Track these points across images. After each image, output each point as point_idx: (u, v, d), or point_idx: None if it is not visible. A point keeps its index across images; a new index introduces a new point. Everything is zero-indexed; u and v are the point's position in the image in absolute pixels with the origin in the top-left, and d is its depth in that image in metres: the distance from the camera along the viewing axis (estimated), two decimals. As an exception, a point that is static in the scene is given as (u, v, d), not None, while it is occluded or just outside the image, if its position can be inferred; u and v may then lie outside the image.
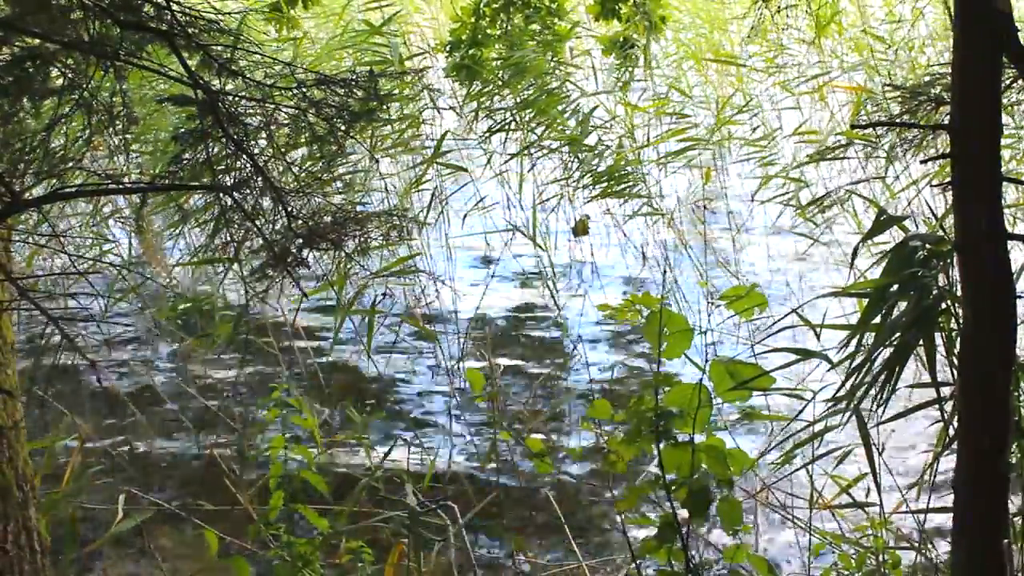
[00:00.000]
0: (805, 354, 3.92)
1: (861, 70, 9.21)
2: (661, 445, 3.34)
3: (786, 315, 4.53)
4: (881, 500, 4.13)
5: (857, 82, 8.99)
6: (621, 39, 9.73)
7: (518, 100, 8.39)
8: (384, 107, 2.97)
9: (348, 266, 2.95)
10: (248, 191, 2.75)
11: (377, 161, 8.07)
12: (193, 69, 2.69)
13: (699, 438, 3.37)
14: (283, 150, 2.82)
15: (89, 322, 4.00)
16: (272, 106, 2.77)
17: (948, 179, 2.86)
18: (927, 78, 3.66)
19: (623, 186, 8.00)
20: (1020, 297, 2.89)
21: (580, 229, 8.35)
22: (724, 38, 11.21)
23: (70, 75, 2.66)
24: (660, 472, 3.34)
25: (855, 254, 3.97)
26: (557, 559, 4.69)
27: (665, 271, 7.20)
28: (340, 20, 9.56)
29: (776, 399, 5.36)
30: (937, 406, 3.60)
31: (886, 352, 3.50)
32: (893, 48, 9.37)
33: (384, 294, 6.33)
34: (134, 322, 7.12)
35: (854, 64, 9.46)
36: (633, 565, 3.89)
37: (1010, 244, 2.79)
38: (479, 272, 8.08)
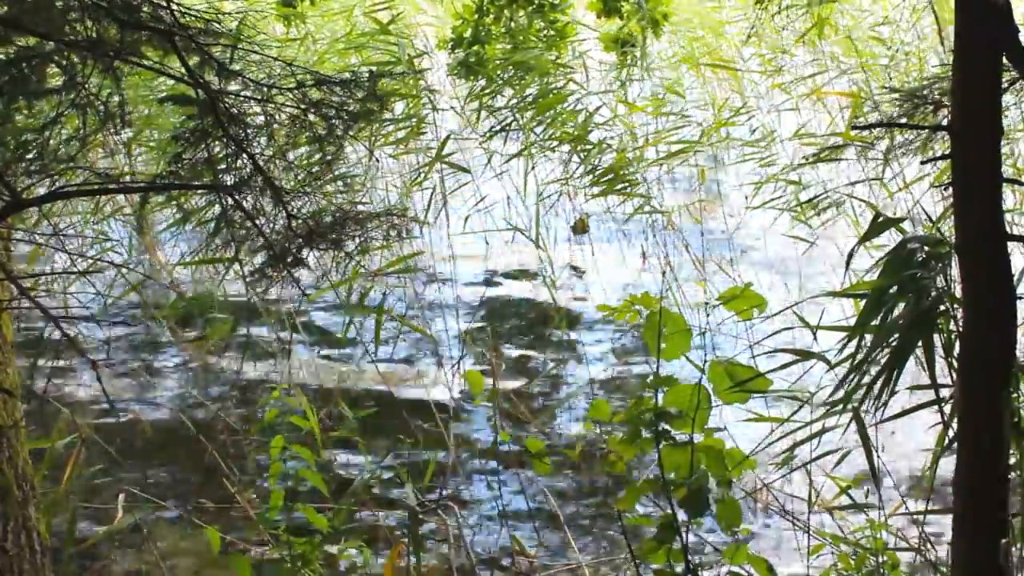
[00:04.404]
0: (804, 355, 3.91)
1: (856, 72, 9.19)
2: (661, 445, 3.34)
3: (781, 311, 4.52)
4: (881, 501, 4.13)
5: (854, 84, 8.97)
6: (621, 37, 9.72)
7: (520, 99, 8.38)
8: (384, 108, 2.97)
9: (355, 265, 2.95)
10: (248, 191, 2.75)
11: (378, 160, 8.07)
12: (193, 68, 2.69)
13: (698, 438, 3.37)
14: (283, 150, 2.82)
15: (89, 321, 4.00)
16: (272, 106, 2.77)
17: (947, 181, 2.86)
18: (926, 80, 3.65)
19: (623, 184, 8.00)
20: (1020, 298, 2.89)
21: (580, 227, 8.35)
22: (722, 40, 11.19)
23: (69, 74, 2.66)
24: (660, 472, 3.34)
25: (851, 255, 3.96)
26: (557, 559, 4.69)
27: (664, 271, 7.19)
28: (348, 21, 9.55)
29: (776, 399, 5.35)
30: (936, 407, 3.60)
31: (885, 353, 3.49)
32: (891, 51, 9.36)
33: (384, 294, 6.32)
34: (134, 321, 7.12)
35: (849, 67, 9.45)
36: (633, 565, 3.89)
37: (1010, 245, 2.79)
38: (480, 271, 8.07)
